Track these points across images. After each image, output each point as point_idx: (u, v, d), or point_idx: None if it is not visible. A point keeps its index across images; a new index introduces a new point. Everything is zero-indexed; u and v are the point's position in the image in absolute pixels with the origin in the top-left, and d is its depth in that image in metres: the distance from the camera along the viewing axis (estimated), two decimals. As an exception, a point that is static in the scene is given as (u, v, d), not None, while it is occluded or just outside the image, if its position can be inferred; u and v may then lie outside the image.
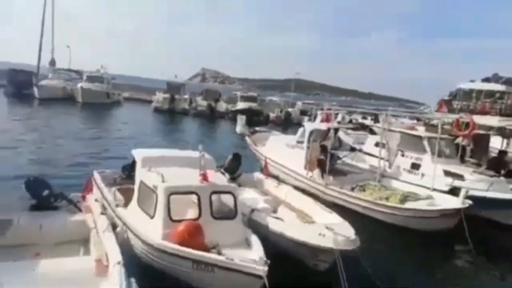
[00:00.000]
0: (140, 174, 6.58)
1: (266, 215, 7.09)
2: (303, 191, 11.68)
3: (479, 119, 13.36)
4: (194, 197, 6.12)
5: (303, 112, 35.14)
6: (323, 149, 11.57)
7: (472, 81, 48.92)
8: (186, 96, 36.32)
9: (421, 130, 13.41)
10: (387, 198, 9.86)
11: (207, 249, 5.41)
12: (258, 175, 10.28)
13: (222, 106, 35.43)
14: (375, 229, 9.51)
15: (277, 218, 7.69)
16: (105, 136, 20.02)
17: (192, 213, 6.08)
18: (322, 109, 13.12)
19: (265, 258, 5.07)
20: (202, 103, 35.55)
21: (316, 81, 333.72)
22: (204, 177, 6.14)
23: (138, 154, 7.07)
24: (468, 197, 9.27)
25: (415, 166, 11.85)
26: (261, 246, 5.65)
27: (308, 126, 12.51)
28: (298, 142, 12.74)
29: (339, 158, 13.30)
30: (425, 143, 11.72)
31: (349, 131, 18.18)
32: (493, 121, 13.98)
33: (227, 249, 5.51)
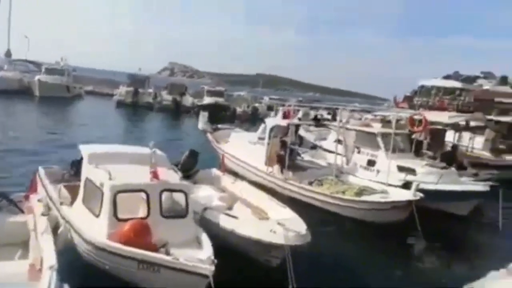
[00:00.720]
0: (86, 170, 6.36)
1: (219, 213, 7.04)
2: (264, 187, 11.86)
3: (431, 116, 13.87)
4: (144, 195, 5.98)
5: (270, 108, 35.29)
6: (283, 144, 11.66)
7: (434, 78, 50.77)
8: (151, 90, 35.54)
9: (375, 127, 13.81)
10: (343, 192, 10.08)
11: (154, 249, 5.31)
12: (215, 171, 10.21)
13: (188, 100, 34.95)
14: (332, 222, 9.73)
15: (231, 215, 7.68)
16: (62, 131, 19.27)
17: (141, 212, 5.95)
18: (283, 105, 13.20)
19: (212, 257, 5.03)
20: (167, 97, 34.93)
21: (286, 77, 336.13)
22: (154, 175, 6.00)
23: (85, 150, 6.82)
24: (419, 190, 9.63)
25: (370, 163, 12.17)
26: (211, 245, 5.61)
27: (269, 122, 12.55)
28: (260, 138, 12.76)
29: (299, 154, 13.48)
30: (379, 139, 12.04)
31: (311, 128, 18.43)
32: (444, 117, 14.57)
33: (176, 248, 5.44)
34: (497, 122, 23.23)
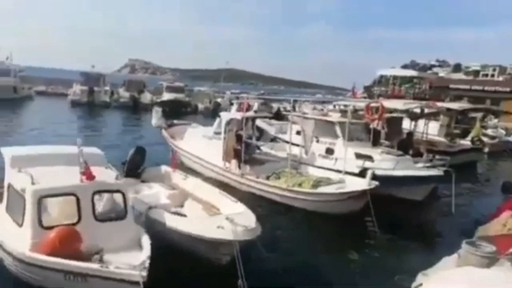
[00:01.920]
0: (9, 175, 5.74)
1: (165, 212, 6.59)
2: (221, 183, 11.48)
3: (387, 104, 13.96)
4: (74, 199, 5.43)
5: (233, 102, 34.89)
6: (238, 139, 11.30)
7: (392, 68, 52.16)
8: (107, 88, 34.15)
9: (334, 116, 13.75)
10: (300, 184, 9.87)
11: (85, 256, 4.82)
12: (165, 168, 9.73)
13: (146, 97, 33.85)
14: (289, 216, 9.51)
15: (179, 213, 7.28)
16: (9, 135, 17.88)
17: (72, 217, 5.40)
18: (237, 98, 12.84)
19: (147, 262, 4.61)
20: (124, 94, 33.69)
21: (250, 71, 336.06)
22: (86, 176, 5.46)
23: (7, 152, 6.16)
24: (376, 177, 9.60)
25: (329, 151, 12.07)
26: (150, 247, 5.18)
27: (224, 116, 12.16)
28: (216, 133, 12.35)
29: (258, 147, 13.19)
30: (337, 128, 11.94)
31: (273, 121, 18.23)
32: (399, 104, 14.72)
33: (113, 254, 5.01)
34: (449, 109, 24.03)
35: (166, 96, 32.86)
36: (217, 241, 5.76)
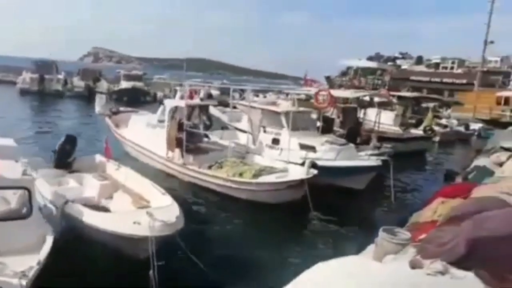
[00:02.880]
0: None
1: (81, 206, 6.20)
2: (165, 173, 11.14)
3: (336, 93, 13.99)
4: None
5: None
6: (180, 127, 10.95)
7: (358, 59, 52.94)
8: (61, 76, 32.59)
9: (283, 105, 13.65)
10: (241, 174, 9.68)
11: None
12: (99, 158, 9.27)
13: (103, 86, 32.55)
14: (228, 206, 9.33)
15: (102, 207, 6.95)
16: None
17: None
18: (181, 85, 12.46)
19: (34, 270, 4.27)
20: (79, 83, 32.30)
21: (219, 61, 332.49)
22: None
23: None
24: (316, 167, 9.62)
25: (275, 141, 11.98)
26: (48, 251, 4.82)
27: (168, 103, 11.73)
28: (160, 121, 11.92)
29: (207, 136, 12.89)
30: (282, 118, 11.83)
31: (227, 109, 17.92)
32: (347, 93, 14.82)
33: (8, 257, 4.61)
34: (401, 98, 24.56)
35: (124, 84, 31.80)
36: (131, 237, 5.47)
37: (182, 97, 11.64)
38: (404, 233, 5.09)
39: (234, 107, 13.92)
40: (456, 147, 22.84)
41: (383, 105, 17.31)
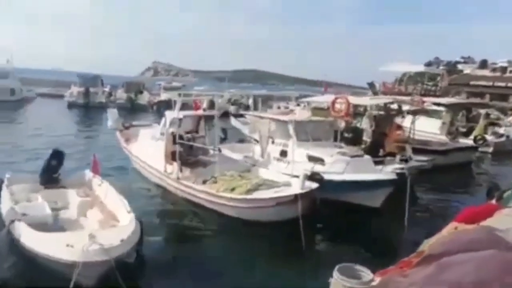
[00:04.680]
0: None
1: (25, 226, 5.77)
2: (163, 189, 10.65)
3: (354, 100, 12.69)
4: None
5: (234, 102, 34.16)
6: (174, 139, 10.42)
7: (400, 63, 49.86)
8: (106, 89, 34.10)
9: (299, 114, 12.64)
10: (233, 189, 8.84)
11: None
12: (87, 173, 8.96)
13: (144, 98, 33.59)
14: (214, 226, 8.57)
15: (54, 226, 6.48)
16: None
17: None
18: (179, 95, 12.02)
19: None
20: (122, 95, 33.52)
21: (274, 72, 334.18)
22: None
23: None
24: (321, 181, 8.78)
25: (283, 153, 11.05)
26: None
27: (169, 115, 11.28)
28: (162, 134, 11.49)
29: (219, 150, 12.27)
30: (290, 128, 10.86)
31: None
32: (366, 101, 13.38)
33: None
34: (450, 105, 22.37)
35: (163, 96, 32.44)
36: (57, 260, 4.92)
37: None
38: (366, 273, 4.02)
39: (241, 116, 13.16)
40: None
41: (416, 113, 15.51)
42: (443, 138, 20.20)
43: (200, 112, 11.62)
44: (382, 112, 15.41)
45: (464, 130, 23.00)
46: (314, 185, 8.28)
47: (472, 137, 20.92)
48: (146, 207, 9.19)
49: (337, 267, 4.11)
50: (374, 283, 3.81)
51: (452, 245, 3.79)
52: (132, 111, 31.68)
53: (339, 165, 9.58)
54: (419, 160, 12.50)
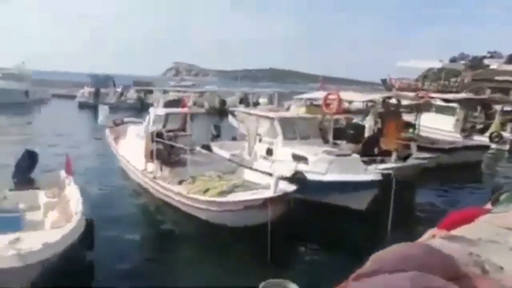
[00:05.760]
0: None
1: None
2: (143, 188, 10.33)
3: (346, 96, 11.98)
4: None
5: (243, 100, 33.83)
6: (152, 137, 10.07)
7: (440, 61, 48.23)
8: (118, 89, 34.36)
9: (292, 111, 12.14)
10: (206, 190, 8.39)
11: None
12: (62, 174, 8.71)
13: (154, 97, 33.60)
14: (182, 230, 8.14)
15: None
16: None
17: None
18: (165, 92, 11.66)
19: None
20: (132, 96, 33.71)
21: (295, 70, 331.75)
22: None
23: None
24: (302, 181, 8.52)
25: (269, 152, 10.54)
26: None
27: (153, 112, 10.99)
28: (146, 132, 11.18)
29: (208, 148, 11.93)
30: (276, 125, 10.35)
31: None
32: (357, 96, 12.63)
33: None
34: (468, 100, 21.27)
35: (172, 95, 32.39)
36: None
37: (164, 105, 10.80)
38: (293, 290, 3.51)
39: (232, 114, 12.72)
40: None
41: (422, 109, 14.65)
42: (457, 135, 19.23)
43: (185, 109, 11.21)
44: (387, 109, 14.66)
45: (481, 126, 21.84)
46: (290, 188, 7.70)
47: (487, 134, 19.78)
48: (119, 207, 8.93)
49: (262, 284, 3.64)
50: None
51: (386, 263, 3.19)
52: (142, 110, 31.80)
53: (322, 165, 8.99)
54: (419, 158, 11.76)
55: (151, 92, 34.49)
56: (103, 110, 13.32)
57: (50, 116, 28.35)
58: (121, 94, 33.86)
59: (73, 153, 13.10)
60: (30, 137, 17.82)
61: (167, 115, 11.06)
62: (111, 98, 32.63)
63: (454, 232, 4.76)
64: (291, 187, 7.82)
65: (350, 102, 12.62)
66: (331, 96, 11.62)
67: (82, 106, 31.86)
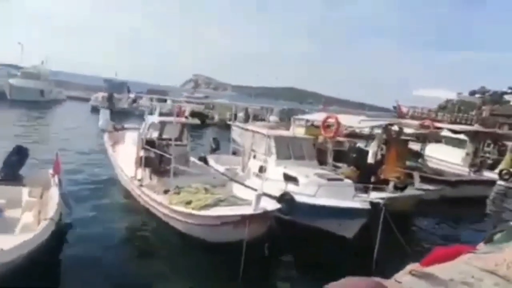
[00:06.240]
0: None
1: None
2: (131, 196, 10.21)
3: (344, 120, 11.71)
4: None
5: (254, 116, 33.97)
6: (149, 144, 10.02)
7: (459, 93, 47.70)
8: (132, 95, 34.81)
9: (291, 131, 11.95)
10: (188, 202, 8.20)
11: None
12: (49, 172, 8.66)
13: (167, 106, 33.89)
14: (160, 240, 7.96)
15: None
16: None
17: None
18: (165, 101, 11.65)
19: None
20: (145, 103, 34.06)
21: (312, 91, 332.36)
22: None
23: None
24: (291, 203, 8.39)
25: (262, 169, 10.34)
26: None
27: (149, 119, 10.96)
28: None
29: (204, 160, 11.85)
30: (271, 142, 10.17)
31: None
32: (354, 122, 12.34)
33: None
34: (477, 133, 20.72)
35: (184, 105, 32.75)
36: None
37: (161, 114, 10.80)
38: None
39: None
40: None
41: (427, 139, 14.28)
42: (465, 169, 18.67)
43: (181, 119, 11.15)
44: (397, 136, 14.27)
45: (491, 162, 21.22)
46: (271, 206, 7.47)
47: (497, 171, 19.15)
48: (102, 214, 8.81)
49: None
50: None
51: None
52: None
53: (312, 187, 8.73)
54: (418, 189, 11.39)
55: (164, 101, 34.83)
56: (104, 114, 13.39)
57: (61, 116, 28.79)
58: (134, 100, 34.27)
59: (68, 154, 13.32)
60: (32, 134, 18.07)
61: (162, 124, 10.99)
62: (123, 104, 33.05)
63: (429, 269, 4.46)
64: (273, 206, 7.59)
65: (349, 126, 12.37)
66: (330, 120, 11.41)
67: (94, 109, 32.28)
